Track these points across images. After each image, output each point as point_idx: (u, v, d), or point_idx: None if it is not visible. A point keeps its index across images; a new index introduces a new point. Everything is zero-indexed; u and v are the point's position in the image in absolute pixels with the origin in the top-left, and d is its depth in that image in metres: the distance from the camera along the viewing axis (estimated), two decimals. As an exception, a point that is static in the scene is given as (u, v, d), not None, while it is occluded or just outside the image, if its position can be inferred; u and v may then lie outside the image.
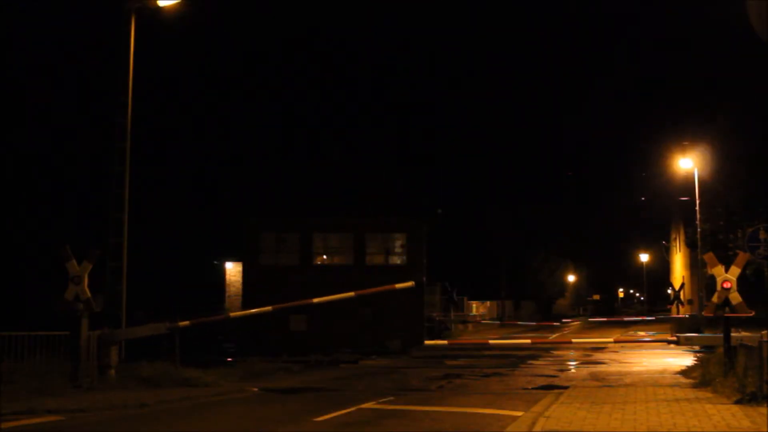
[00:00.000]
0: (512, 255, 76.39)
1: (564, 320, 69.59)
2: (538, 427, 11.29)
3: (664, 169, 48.21)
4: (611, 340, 29.30)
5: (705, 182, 40.61)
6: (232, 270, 49.10)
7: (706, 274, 26.31)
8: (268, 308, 20.48)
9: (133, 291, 22.03)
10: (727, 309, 15.78)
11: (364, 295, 38.79)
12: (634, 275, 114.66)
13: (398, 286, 23.36)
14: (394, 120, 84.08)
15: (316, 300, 21.34)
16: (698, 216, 39.90)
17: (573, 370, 23.77)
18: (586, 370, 23.28)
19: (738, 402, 12.95)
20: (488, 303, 69.24)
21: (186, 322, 19.57)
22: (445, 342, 33.91)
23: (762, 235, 18.25)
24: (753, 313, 16.01)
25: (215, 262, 51.31)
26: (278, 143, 63.77)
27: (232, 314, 22.13)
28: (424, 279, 40.95)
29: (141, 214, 28.77)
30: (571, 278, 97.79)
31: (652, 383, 17.92)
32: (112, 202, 20.83)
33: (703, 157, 40.59)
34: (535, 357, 29.20)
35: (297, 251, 40.61)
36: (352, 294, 21.11)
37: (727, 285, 15.62)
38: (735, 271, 15.73)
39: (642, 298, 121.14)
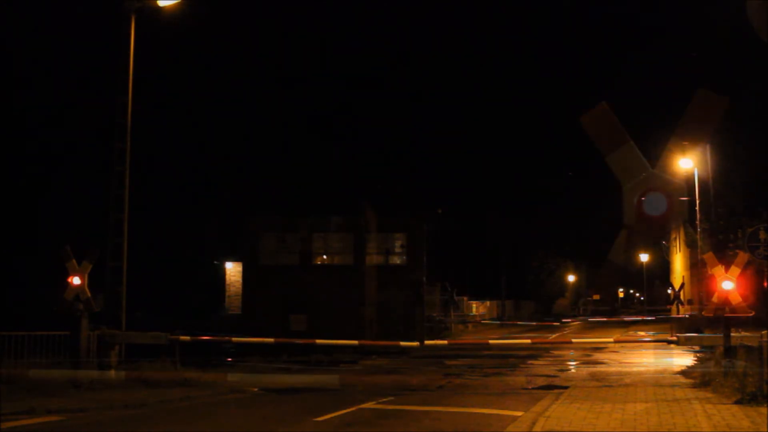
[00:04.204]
0: (512, 255, 76.37)
1: (564, 320, 69.55)
2: (538, 427, 11.29)
3: (664, 169, 48.15)
4: (611, 340, 29.19)
5: (705, 182, 40.58)
6: (232, 270, 49.20)
7: (706, 274, 26.30)
8: (270, 340, 21.02)
9: (133, 291, 22.04)
10: (727, 309, 15.77)
11: (363, 295, 39.33)
12: (634, 275, 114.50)
13: (403, 344, 23.76)
14: (395, 120, 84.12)
15: (319, 341, 21.92)
16: (698, 216, 39.86)
17: (573, 370, 23.76)
18: (586, 370, 23.26)
19: (738, 402, 12.95)
20: (488, 303, 69.17)
21: (186, 338, 19.72)
22: (445, 342, 33.78)
23: (762, 235, 18.26)
24: (753, 313, 16.01)
25: (215, 262, 51.38)
26: (279, 143, 63.84)
27: (234, 339, 22.73)
28: (424, 279, 41.00)
29: (141, 214, 28.78)
30: (571, 278, 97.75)
31: (652, 383, 17.91)
32: (112, 202, 20.84)
33: (703, 157, 40.56)
34: (535, 357, 29.18)
35: (297, 251, 40.59)
36: (355, 342, 21.72)
37: (727, 285, 15.62)
38: (735, 271, 15.74)
39: (642, 298, 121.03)
